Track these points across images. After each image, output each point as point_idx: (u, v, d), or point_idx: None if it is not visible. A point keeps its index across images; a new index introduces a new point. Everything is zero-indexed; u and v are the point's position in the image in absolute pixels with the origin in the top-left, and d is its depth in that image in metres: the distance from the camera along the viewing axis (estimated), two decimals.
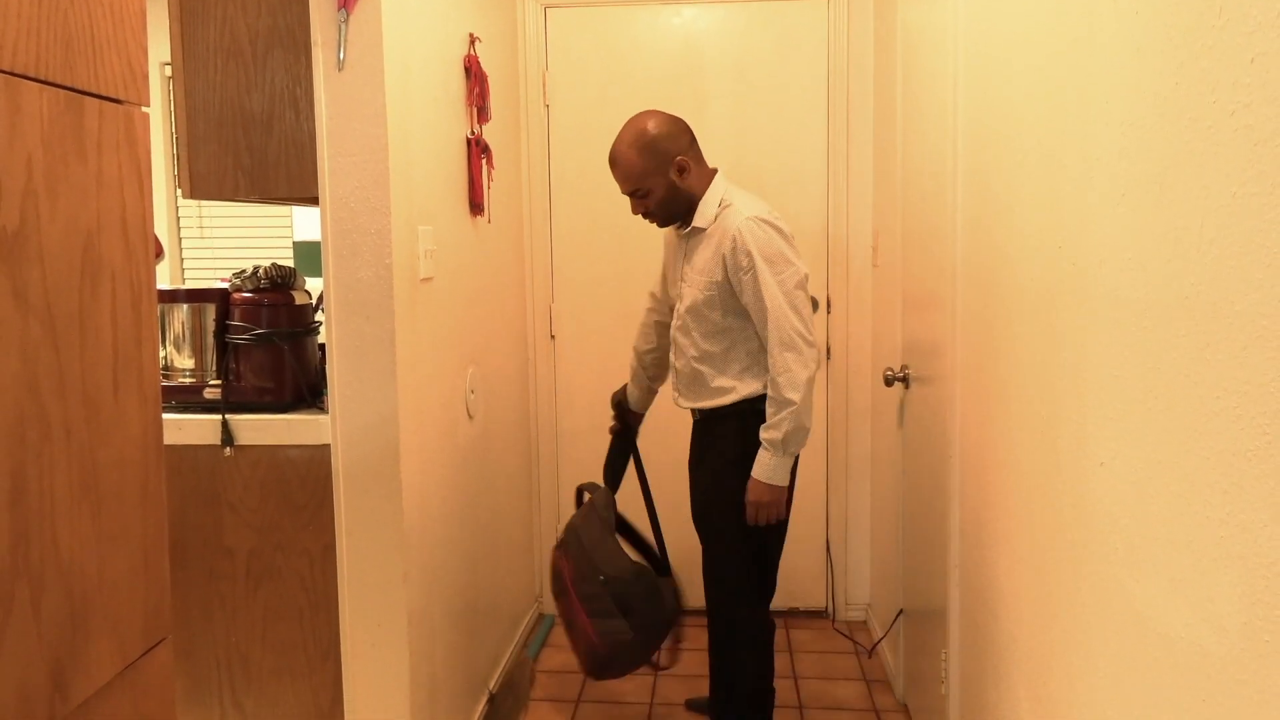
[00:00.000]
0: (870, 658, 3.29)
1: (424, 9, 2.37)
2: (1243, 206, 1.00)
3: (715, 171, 2.44)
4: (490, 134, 2.93)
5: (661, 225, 2.49)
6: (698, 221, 2.39)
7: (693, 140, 2.43)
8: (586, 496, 2.65)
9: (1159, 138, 1.18)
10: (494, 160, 2.98)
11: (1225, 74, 1.03)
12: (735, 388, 2.38)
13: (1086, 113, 1.42)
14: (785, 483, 2.35)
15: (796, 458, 2.38)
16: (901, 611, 2.93)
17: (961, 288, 2.17)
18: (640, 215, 2.47)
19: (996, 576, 1.91)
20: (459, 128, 2.68)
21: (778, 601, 3.65)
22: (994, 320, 1.92)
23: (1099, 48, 1.37)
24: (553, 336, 3.62)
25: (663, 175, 2.37)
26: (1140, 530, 1.26)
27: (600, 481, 2.72)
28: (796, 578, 3.64)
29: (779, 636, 3.45)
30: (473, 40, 2.75)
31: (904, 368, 2.85)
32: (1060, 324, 1.54)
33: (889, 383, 2.85)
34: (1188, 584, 1.13)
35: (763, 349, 2.34)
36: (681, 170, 2.37)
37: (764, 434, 2.31)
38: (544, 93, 3.52)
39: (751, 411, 2.37)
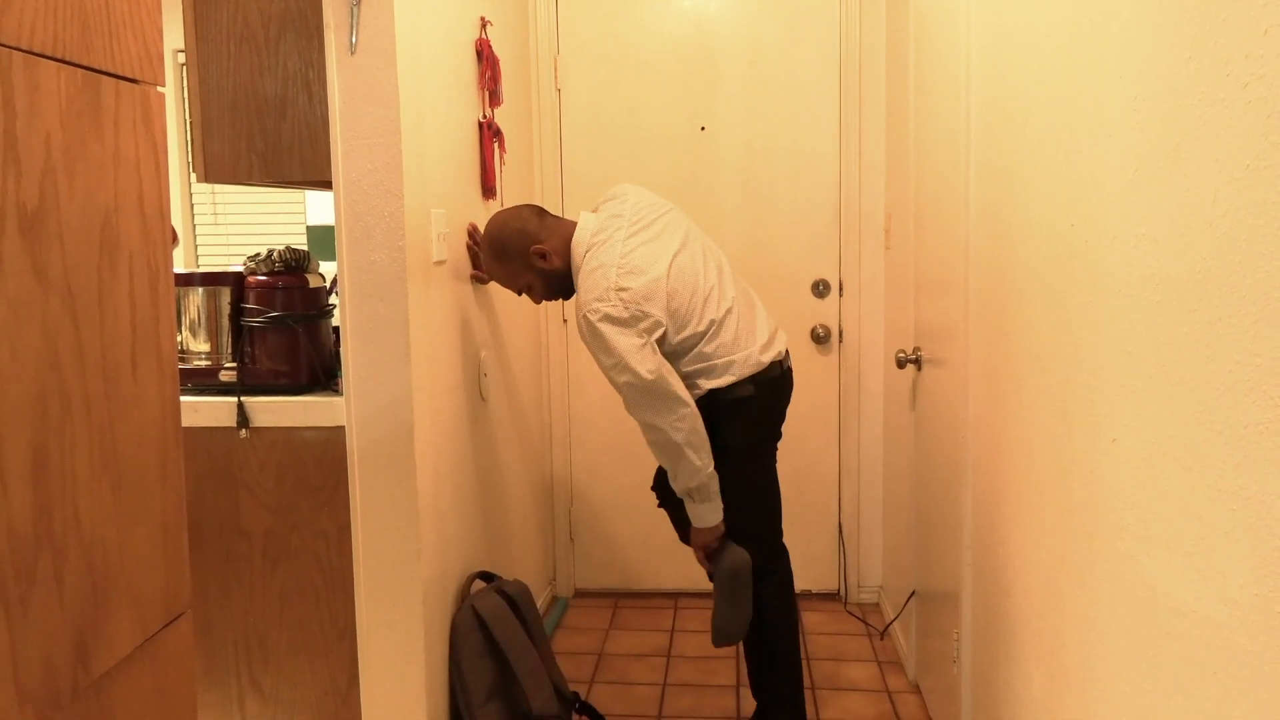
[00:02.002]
0: (882, 639, 3.30)
1: None
2: (1255, 180, 1.00)
3: (573, 229, 2.42)
4: (502, 118, 2.94)
5: (565, 299, 2.54)
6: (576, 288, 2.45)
7: (541, 219, 2.46)
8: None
9: (1172, 112, 1.18)
10: (505, 144, 2.99)
11: (1239, 47, 1.03)
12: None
13: (1100, 88, 1.41)
14: (713, 523, 2.41)
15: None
16: (914, 593, 2.93)
17: (974, 268, 2.16)
18: (541, 302, 2.57)
19: (1009, 556, 1.92)
20: (471, 111, 2.68)
21: None
22: (1006, 300, 1.91)
23: (1112, 23, 1.36)
24: (565, 321, 3.63)
25: (530, 269, 2.44)
26: (1152, 505, 1.26)
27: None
28: (809, 560, 3.65)
29: None
30: (484, 24, 2.76)
31: (916, 350, 2.85)
32: (1073, 302, 1.54)
33: (901, 365, 2.85)
34: (1199, 558, 1.14)
35: (686, 351, 2.37)
36: (543, 256, 2.42)
37: (674, 486, 2.39)
38: (555, 77, 3.52)
39: (714, 403, 2.39)
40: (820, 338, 3.54)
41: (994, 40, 1.99)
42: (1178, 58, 1.16)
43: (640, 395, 2.27)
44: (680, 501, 2.50)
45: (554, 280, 2.45)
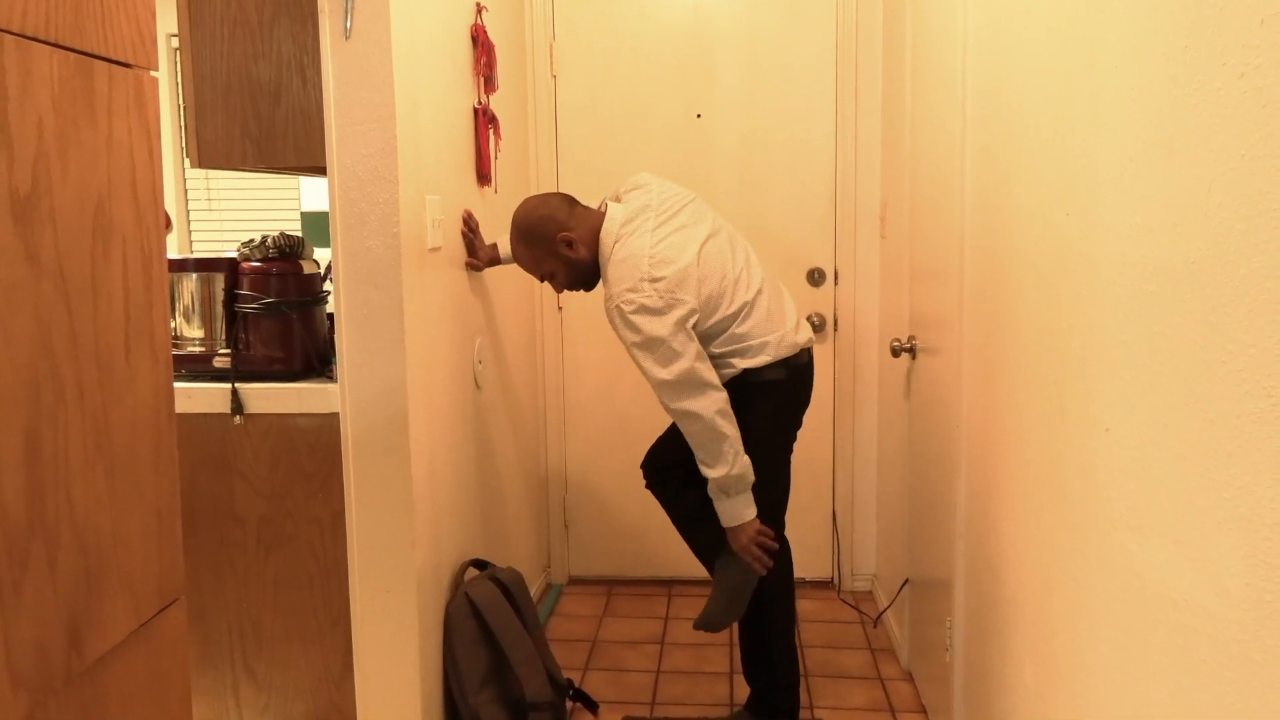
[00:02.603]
0: (876, 627, 3.32)
1: None
2: (1250, 169, 1.00)
3: (602, 219, 2.41)
4: (497, 104, 2.93)
5: (587, 290, 2.53)
6: (603, 280, 2.42)
7: (571, 208, 2.44)
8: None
9: (1168, 101, 1.18)
10: (501, 131, 2.98)
11: (1235, 36, 1.03)
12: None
13: (1096, 77, 1.41)
14: (749, 518, 2.36)
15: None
16: (907, 581, 2.94)
17: (969, 257, 2.16)
18: (563, 291, 2.56)
19: (1002, 544, 1.92)
20: (466, 97, 2.67)
21: None
22: (1001, 289, 1.92)
23: (1108, 11, 1.36)
24: (560, 309, 3.63)
25: (555, 256, 2.42)
26: (1144, 494, 1.26)
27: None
28: (803, 548, 3.65)
29: None
30: (479, 9, 2.74)
31: (911, 338, 2.85)
32: (1067, 291, 1.54)
33: (896, 354, 2.86)
34: (1191, 547, 1.14)
35: (720, 334, 2.36)
36: (569, 245, 2.40)
37: (705, 473, 2.32)
38: (551, 63, 3.51)
39: (745, 384, 2.38)
40: (815, 326, 3.54)
41: (990, 28, 1.98)
42: (1174, 46, 1.16)
43: (674, 381, 2.26)
44: (671, 485, 2.51)
45: (578, 270, 2.44)
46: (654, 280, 2.25)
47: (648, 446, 2.68)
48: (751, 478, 2.33)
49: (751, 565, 2.39)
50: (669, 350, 2.24)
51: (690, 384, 2.26)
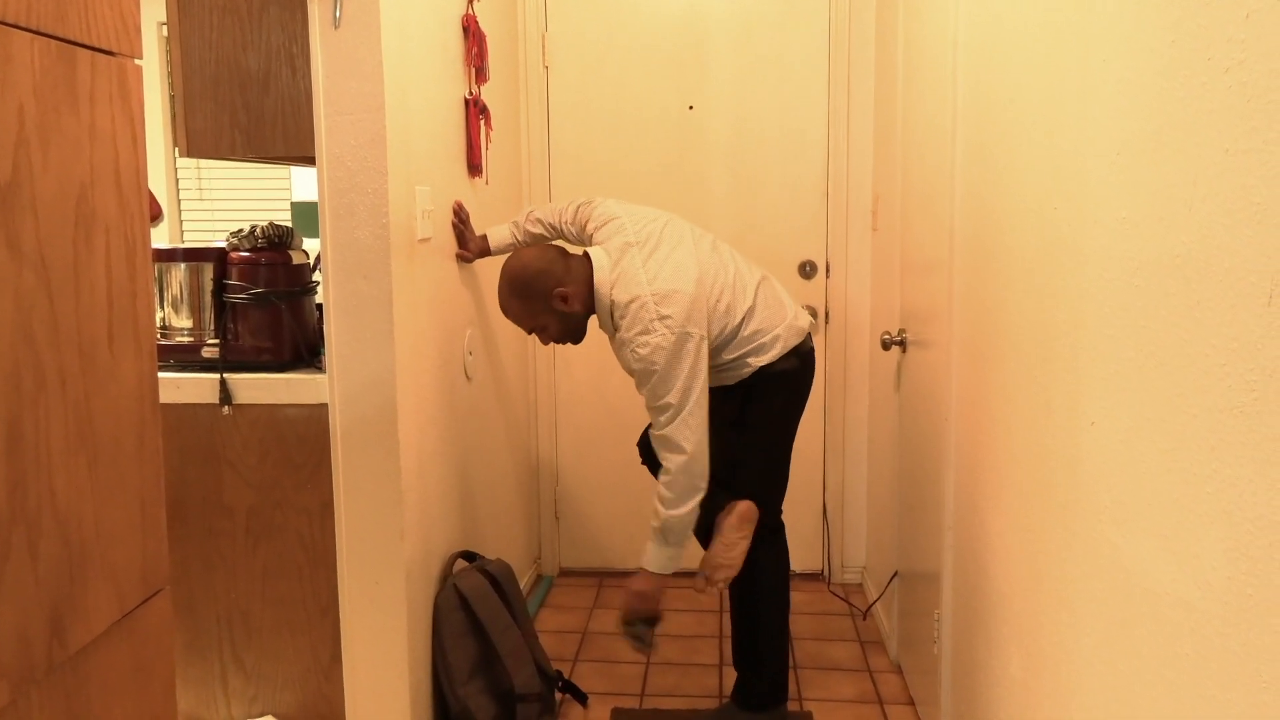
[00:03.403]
0: (865, 619, 3.33)
1: None
2: (1234, 164, 1.00)
3: (590, 267, 2.40)
4: (489, 95, 2.92)
5: (575, 343, 2.53)
6: (603, 326, 2.43)
7: (566, 261, 2.42)
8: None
9: (1154, 96, 1.18)
10: (492, 121, 2.97)
11: (1220, 30, 1.03)
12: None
13: (1084, 73, 1.41)
14: (670, 571, 2.39)
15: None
16: (896, 573, 2.95)
17: (959, 251, 2.17)
18: (550, 344, 2.55)
19: (989, 537, 1.93)
20: (457, 88, 2.66)
21: None
22: (990, 283, 1.92)
23: (1098, 6, 1.36)
24: None
25: (549, 311, 2.40)
26: (1129, 488, 1.27)
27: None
28: (793, 540, 3.64)
29: None
30: None
31: (901, 332, 2.85)
32: (1055, 285, 1.54)
33: (886, 346, 2.86)
34: (1174, 540, 1.14)
35: (730, 340, 2.40)
36: (565, 299, 2.38)
37: (664, 511, 2.34)
38: (543, 54, 3.50)
39: (760, 379, 2.43)
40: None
41: (981, 23, 1.98)
42: (1161, 41, 1.16)
43: (679, 407, 2.27)
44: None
45: (569, 322, 2.43)
46: (663, 318, 2.27)
47: (638, 438, 2.68)
48: (690, 535, 2.37)
49: (627, 636, 2.43)
50: (685, 384, 2.27)
51: (697, 419, 2.28)
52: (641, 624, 2.43)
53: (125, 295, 1.12)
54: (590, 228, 2.51)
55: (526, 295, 2.40)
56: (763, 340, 2.41)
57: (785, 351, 2.44)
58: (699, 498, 2.32)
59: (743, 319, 2.39)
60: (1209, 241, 1.05)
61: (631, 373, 2.33)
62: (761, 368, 2.42)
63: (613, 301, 2.34)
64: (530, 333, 2.50)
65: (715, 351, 2.38)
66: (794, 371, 2.47)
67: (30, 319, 0.96)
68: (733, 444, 2.48)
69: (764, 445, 2.52)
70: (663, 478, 2.32)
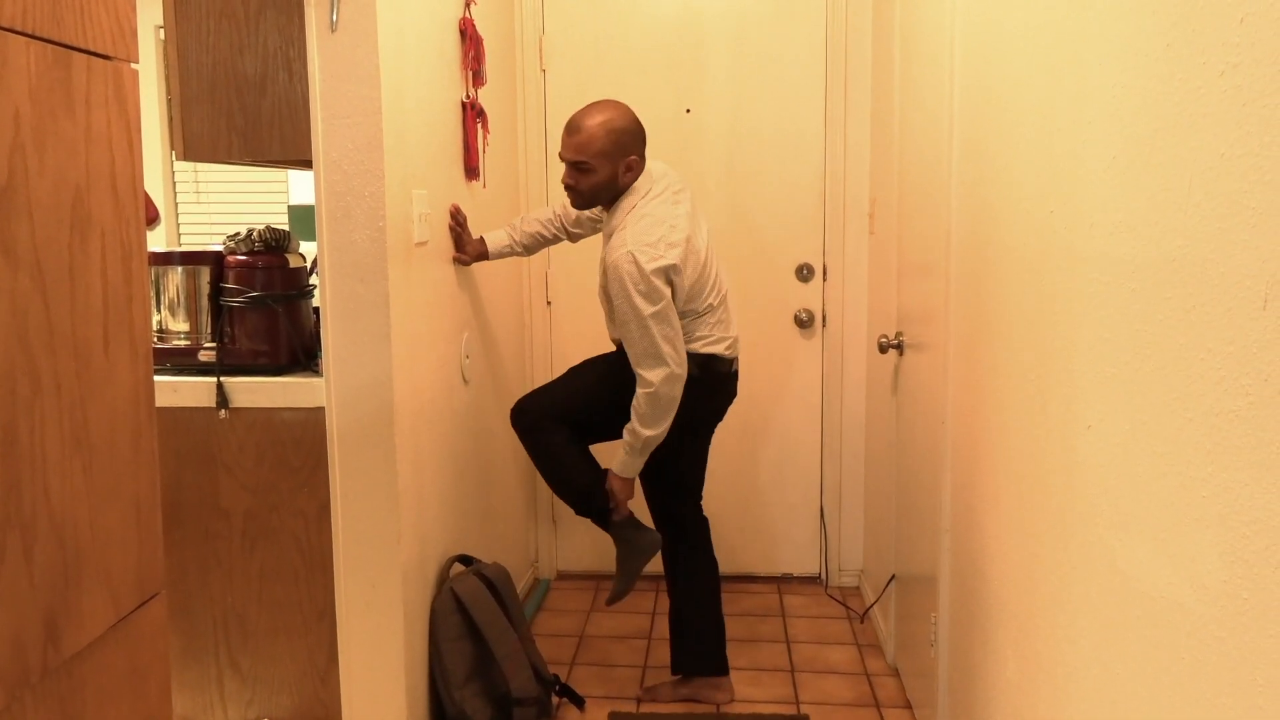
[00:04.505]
0: (862, 623, 3.32)
1: None
2: (1230, 168, 1.00)
3: (644, 176, 2.54)
4: (486, 98, 2.92)
5: (581, 207, 2.62)
6: (612, 221, 2.54)
7: (643, 149, 2.55)
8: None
9: (1150, 99, 1.18)
10: (489, 125, 2.97)
11: (1215, 34, 1.03)
12: None
13: (1081, 76, 1.41)
14: (635, 473, 2.62)
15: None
16: (894, 577, 2.95)
17: (956, 254, 2.17)
18: (567, 185, 2.56)
19: (986, 541, 1.93)
20: (454, 91, 2.66)
21: (771, 567, 3.71)
22: (987, 286, 1.92)
23: (1094, 9, 1.36)
24: (549, 303, 3.63)
25: (612, 165, 2.49)
26: (1125, 492, 1.27)
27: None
28: (790, 544, 3.67)
29: (772, 601, 3.49)
30: (468, 2, 2.74)
31: (898, 335, 2.86)
32: (1051, 289, 1.54)
33: (883, 350, 2.86)
34: (1170, 544, 1.15)
35: (696, 327, 2.59)
36: (629, 169, 2.50)
37: (640, 430, 2.52)
38: (540, 57, 3.50)
39: (701, 371, 2.59)
40: (803, 322, 3.54)
41: (978, 26, 1.98)
42: (1157, 44, 1.16)
43: (660, 317, 2.42)
44: (546, 429, 2.66)
45: (609, 188, 2.52)
46: (671, 245, 2.43)
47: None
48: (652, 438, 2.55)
49: (620, 507, 2.66)
50: (666, 307, 2.42)
51: (671, 334, 2.44)
52: (630, 527, 2.67)
53: (121, 299, 1.12)
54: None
55: (613, 139, 2.47)
56: (712, 335, 2.58)
57: (726, 354, 2.62)
58: (671, 418, 2.49)
59: (700, 312, 2.55)
60: (1205, 245, 1.05)
61: (607, 292, 2.49)
62: (706, 356, 2.56)
63: (639, 200, 2.49)
64: (570, 163, 2.50)
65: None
66: (729, 375, 2.67)
67: (25, 323, 0.96)
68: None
69: (693, 446, 2.72)
70: (642, 391, 2.46)
